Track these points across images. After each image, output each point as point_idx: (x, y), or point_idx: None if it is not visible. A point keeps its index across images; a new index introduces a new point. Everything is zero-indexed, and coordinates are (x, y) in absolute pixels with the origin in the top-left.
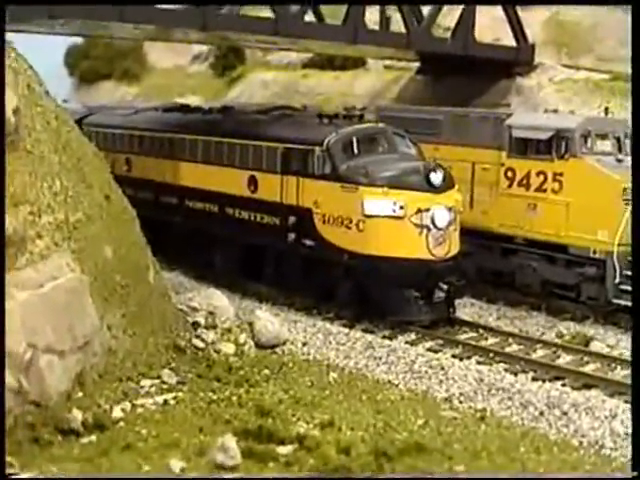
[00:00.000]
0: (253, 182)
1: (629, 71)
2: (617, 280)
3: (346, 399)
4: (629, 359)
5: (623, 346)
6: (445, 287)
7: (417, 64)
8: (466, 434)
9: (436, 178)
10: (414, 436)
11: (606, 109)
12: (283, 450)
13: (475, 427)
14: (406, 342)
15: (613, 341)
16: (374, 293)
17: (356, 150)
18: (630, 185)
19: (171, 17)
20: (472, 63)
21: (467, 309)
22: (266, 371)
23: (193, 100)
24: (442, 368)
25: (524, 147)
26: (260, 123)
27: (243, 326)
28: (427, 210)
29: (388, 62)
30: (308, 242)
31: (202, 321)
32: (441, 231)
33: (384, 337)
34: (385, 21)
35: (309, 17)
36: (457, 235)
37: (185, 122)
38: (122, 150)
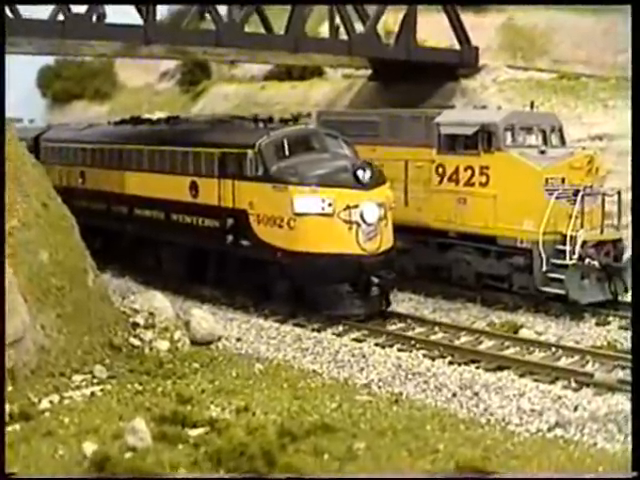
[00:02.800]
0: (194, 187)
1: (582, 71)
2: (544, 268)
3: (267, 387)
4: (548, 342)
5: (552, 332)
6: (377, 281)
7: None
8: (376, 415)
9: (364, 175)
10: (324, 418)
11: (532, 103)
12: (194, 433)
13: (387, 409)
14: (333, 334)
15: (542, 328)
16: (308, 289)
17: (287, 151)
18: (553, 175)
19: (114, 33)
20: (419, 67)
21: (405, 303)
22: (195, 365)
23: (159, 116)
24: (364, 356)
25: (452, 143)
26: (199, 130)
27: (180, 324)
28: (356, 206)
29: (347, 71)
30: (245, 242)
31: (141, 321)
32: (371, 226)
33: (313, 330)
34: (334, 29)
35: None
36: (389, 230)
37: (133, 134)
38: (76, 163)
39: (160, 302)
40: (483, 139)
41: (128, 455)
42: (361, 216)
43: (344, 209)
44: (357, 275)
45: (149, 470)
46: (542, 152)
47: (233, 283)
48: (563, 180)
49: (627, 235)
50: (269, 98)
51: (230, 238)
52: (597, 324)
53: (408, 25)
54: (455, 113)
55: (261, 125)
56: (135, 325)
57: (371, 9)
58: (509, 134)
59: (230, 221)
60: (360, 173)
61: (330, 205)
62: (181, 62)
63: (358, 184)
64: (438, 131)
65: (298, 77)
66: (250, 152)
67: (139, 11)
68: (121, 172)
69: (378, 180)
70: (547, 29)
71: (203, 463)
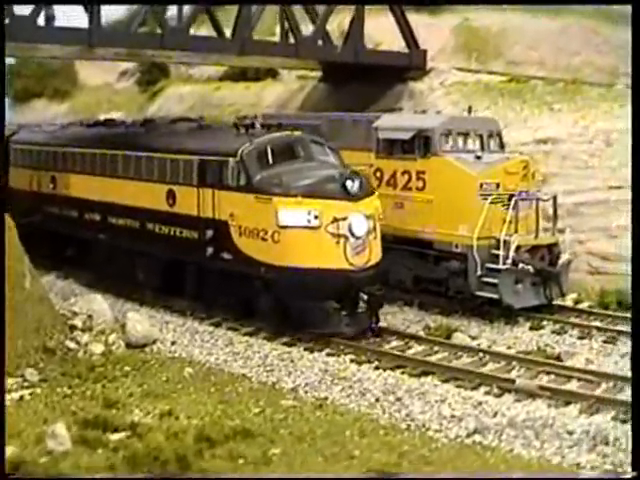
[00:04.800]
0: (171, 196)
1: (536, 72)
2: (479, 273)
3: (195, 392)
4: (476, 347)
5: (485, 336)
6: (365, 297)
7: None
8: (298, 420)
9: (353, 185)
10: (245, 423)
11: (469, 108)
12: (114, 437)
13: (310, 414)
14: (264, 338)
15: (476, 332)
16: (293, 306)
17: (271, 160)
18: (488, 181)
19: (57, 36)
20: (368, 70)
21: None
22: (127, 368)
23: (117, 116)
24: (292, 361)
25: (390, 148)
26: (177, 136)
27: (117, 327)
28: (344, 219)
29: (301, 72)
30: (225, 255)
31: (79, 324)
32: (360, 240)
33: (245, 334)
34: (285, 32)
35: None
36: (378, 243)
37: (107, 137)
38: (47, 167)
39: (99, 305)
40: (420, 144)
41: (44, 459)
42: (349, 229)
43: (331, 222)
44: (345, 291)
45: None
46: (478, 157)
47: (212, 298)
48: (498, 185)
49: (564, 239)
50: (222, 99)
51: (210, 250)
52: (531, 328)
53: (356, 27)
54: (394, 117)
55: (243, 131)
56: (73, 328)
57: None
58: (445, 139)
59: (210, 232)
60: (349, 183)
61: (317, 217)
62: (137, 62)
63: (346, 195)
64: (377, 135)
65: (252, 78)
66: (231, 160)
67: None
68: (94, 178)
69: (367, 190)
70: (502, 30)
71: (119, 467)
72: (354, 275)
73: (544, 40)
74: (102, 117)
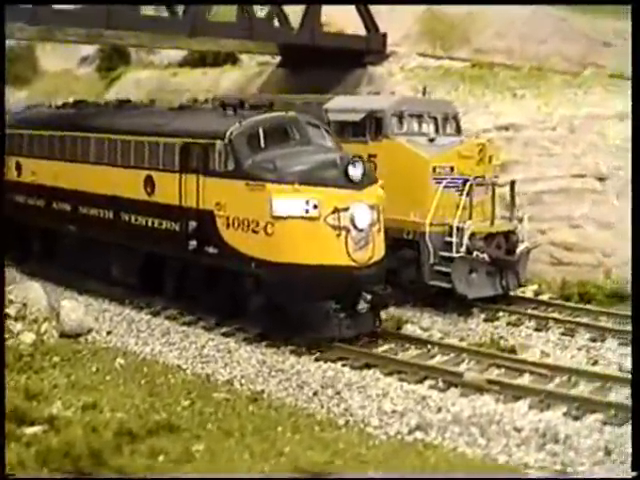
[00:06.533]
0: (150, 183)
1: (503, 60)
2: (431, 261)
3: (124, 383)
4: (427, 339)
5: (438, 328)
6: (368, 297)
7: None
8: (228, 415)
9: (355, 172)
10: (172, 417)
11: (424, 89)
12: (30, 431)
13: (243, 408)
14: (203, 327)
15: (428, 323)
16: (288, 307)
17: (263, 143)
18: (441, 164)
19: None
20: (327, 54)
21: None
22: (56, 358)
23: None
24: (229, 352)
25: (341, 130)
26: (156, 116)
27: (52, 316)
28: (345, 209)
29: (263, 58)
30: (211, 250)
31: (13, 312)
32: (362, 233)
33: (183, 324)
34: (243, 14)
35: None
36: (382, 237)
37: (77, 119)
38: (10, 152)
39: (35, 292)
40: (371, 126)
41: None
42: (351, 220)
43: (332, 212)
44: (346, 291)
45: None
46: (431, 140)
47: (196, 296)
48: (452, 169)
49: (522, 227)
50: (180, 84)
51: (193, 244)
52: (486, 320)
53: (313, 10)
54: (344, 99)
55: (230, 111)
56: (6, 316)
57: None
58: (397, 121)
59: (193, 224)
60: (351, 169)
61: (315, 207)
62: (100, 47)
63: (349, 182)
64: (327, 118)
65: (211, 64)
66: (219, 143)
67: None
68: (64, 163)
69: (370, 178)
70: (468, 17)
71: (29, 463)
72: (356, 272)
73: (512, 28)
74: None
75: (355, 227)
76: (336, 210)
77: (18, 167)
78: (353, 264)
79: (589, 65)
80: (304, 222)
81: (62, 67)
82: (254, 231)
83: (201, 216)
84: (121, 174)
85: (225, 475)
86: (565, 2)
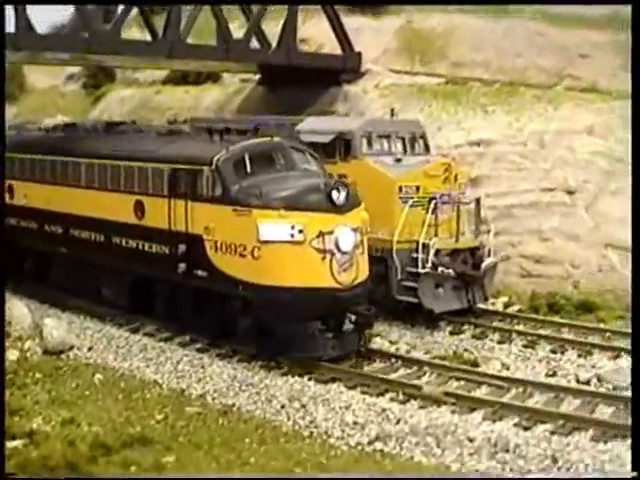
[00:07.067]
0: (140, 208)
1: (480, 75)
2: (399, 277)
3: (102, 398)
4: (391, 352)
5: (405, 341)
6: (353, 317)
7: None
8: (199, 428)
9: (339, 196)
10: (145, 430)
11: (392, 111)
12: (11, 444)
13: (213, 421)
14: (179, 343)
15: (396, 337)
16: (275, 328)
17: (249, 168)
18: (407, 184)
19: None
20: (304, 73)
21: None
22: (39, 375)
23: (61, 120)
24: (202, 367)
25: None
26: (145, 141)
27: (35, 333)
28: (330, 233)
29: (245, 75)
30: (200, 273)
31: None
32: (347, 255)
33: (160, 340)
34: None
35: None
36: (365, 259)
37: (68, 143)
38: (2, 175)
39: (19, 311)
40: (340, 147)
41: None
42: (336, 244)
43: (317, 236)
44: (331, 311)
45: None
46: (398, 160)
47: (185, 318)
48: (418, 188)
49: (489, 242)
50: (162, 102)
51: (182, 267)
52: (451, 333)
53: (289, 29)
54: (315, 121)
55: (217, 137)
56: None
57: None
58: (366, 142)
59: (182, 247)
60: (335, 194)
61: (301, 232)
62: (81, 66)
63: (332, 206)
64: (298, 139)
65: (193, 82)
66: (206, 169)
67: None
68: (55, 187)
69: (354, 201)
70: (445, 32)
71: (8, 475)
72: (341, 294)
73: (489, 42)
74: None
75: (339, 250)
76: (321, 234)
77: (10, 190)
78: (338, 286)
79: (565, 77)
80: (290, 246)
81: (49, 84)
82: (241, 255)
83: (190, 240)
84: (111, 198)
85: (225, 475)
86: (565, 2)
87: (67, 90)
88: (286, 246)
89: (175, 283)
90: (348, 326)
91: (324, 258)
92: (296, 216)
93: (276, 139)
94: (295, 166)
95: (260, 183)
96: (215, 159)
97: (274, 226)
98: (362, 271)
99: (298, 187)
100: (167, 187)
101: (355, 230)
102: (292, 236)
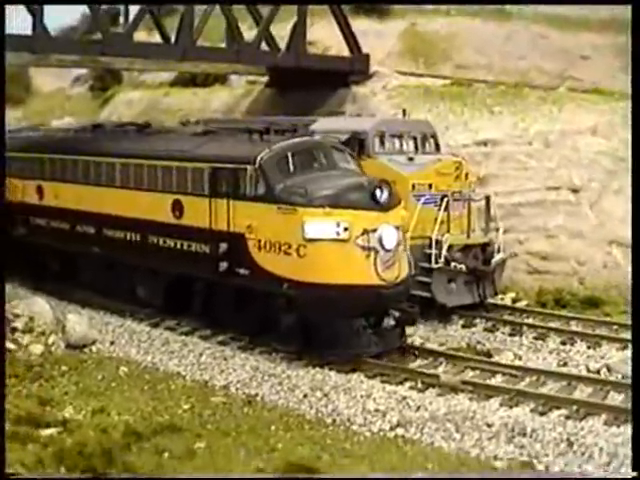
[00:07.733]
0: (178, 207)
1: (484, 77)
2: (412, 272)
3: (129, 389)
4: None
5: (419, 334)
6: (396, 314)
7: None
8: (225, 416)
9: (382, 195)
10: (174, 419)
11: (404, 111)
12: (45, 432)
13: (239, 410)
14: (200, 337)
15: (410, 330)
16: (319, 325)
17: (292, 167)
18: (420, 181)
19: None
20: (312, 74)
21: None
22: (64, 368)
23: (69, 122)
24: (225, 359)
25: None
26: (183, 141)
27: (57, 328)
28: (374, 231)
29: (252, 77)
30: (242, 271)
31: (20, 326)
32: (390, 253)
33: (181, 334)
34: (231, 36)
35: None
36: (406, 257)
37: (99, 143)
38: (32, 176)
39: (41, 307)
40: (354, 146)
41: None
42: (380, 241)
43: (361, 234)
44: (375, 308)
45: None
46: (410, 159)
47: (225, 316)
48: (430, 186)
49: (498, 239)
50: (171, 104)
51: (224, 266)
52: (463, 326)
53: (299, 32)
54: (329, 121)
55: (256, 136)
56: (14, 330)
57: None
58: (379, 141)
59: (224, 246)
60: (378, 192)
61: (346, 230)
62: (89, 68)
63: (376, 205)
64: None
65: (201, 84)
66: (249, 168)
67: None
68: (88, 187)
69: (395, 200)
70: (449, 35)
71: (46, 461)
72: (385, 291)
73: (492, 44)
74: (54, 123)
75: (383, 247)
76: (365, 232)
77: (40, 191)
78: (382, 283)
79: (567, 79)
80: (335, 244)
81: (55, 86)
82: (286, 253)
83: (232, 238)
84: (147, 198)
85: (225, 475)
86: (564, 3)
87: (74, 93)
88: (331, 244)
89: (214, 282)
90: (390, 323)
91: (368, 256)
92: (341, 214)
93: (316, 138)
94: (336, 165)
95: (304, 182)
96: (259, 158)
97: (320, 224)
98: (404, 269)
99: (342, 186)
100: (207, 186)
101: (397, 228)
102: (337, 234)
